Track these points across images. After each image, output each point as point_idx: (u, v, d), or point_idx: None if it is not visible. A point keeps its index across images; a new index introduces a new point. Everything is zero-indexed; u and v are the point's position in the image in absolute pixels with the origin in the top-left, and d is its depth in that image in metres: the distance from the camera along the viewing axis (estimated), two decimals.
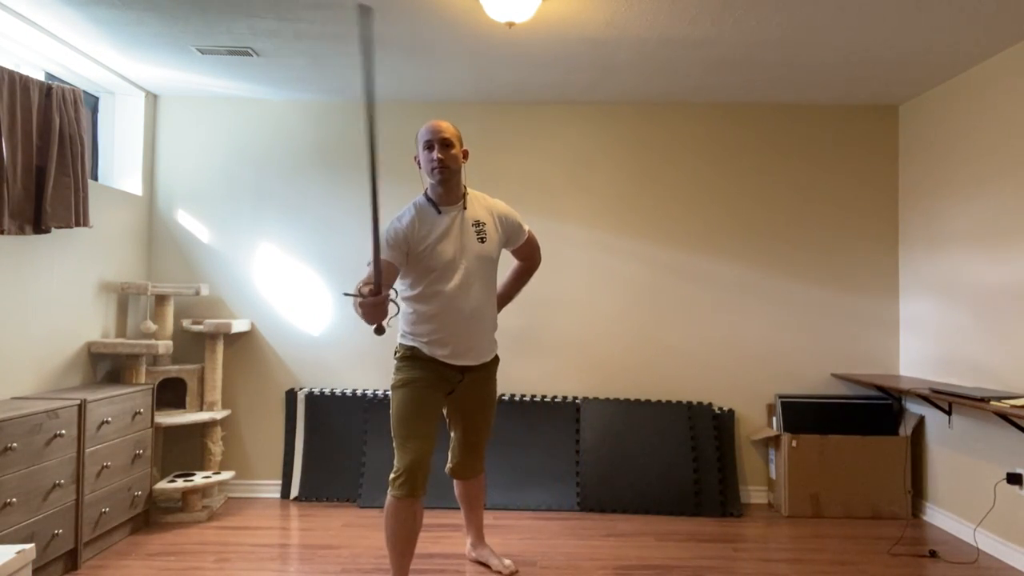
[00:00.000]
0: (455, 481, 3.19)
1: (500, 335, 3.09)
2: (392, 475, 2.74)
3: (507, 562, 3.18)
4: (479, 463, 3.12)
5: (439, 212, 2.78)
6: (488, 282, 2.86)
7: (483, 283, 2.83)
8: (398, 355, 2.86)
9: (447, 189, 2.78)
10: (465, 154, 2.83)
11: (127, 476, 3.54)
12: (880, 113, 4.46)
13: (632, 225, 4.45)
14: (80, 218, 3.41)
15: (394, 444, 2.77)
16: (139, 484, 3.65)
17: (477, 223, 2.83)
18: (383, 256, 2.58)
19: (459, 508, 4.18)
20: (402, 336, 2.88)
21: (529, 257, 3.12)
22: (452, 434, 3.10)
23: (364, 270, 2.55)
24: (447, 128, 2.75)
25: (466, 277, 2.76)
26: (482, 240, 2.82)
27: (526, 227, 3.04)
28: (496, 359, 3.04)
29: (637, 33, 3.35)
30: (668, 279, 4.45)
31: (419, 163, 2.80)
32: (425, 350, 2.79)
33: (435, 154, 2.71)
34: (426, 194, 2.83)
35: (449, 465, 3.13)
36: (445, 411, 3.01)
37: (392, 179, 4.48)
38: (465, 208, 2.83)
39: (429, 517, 3.90)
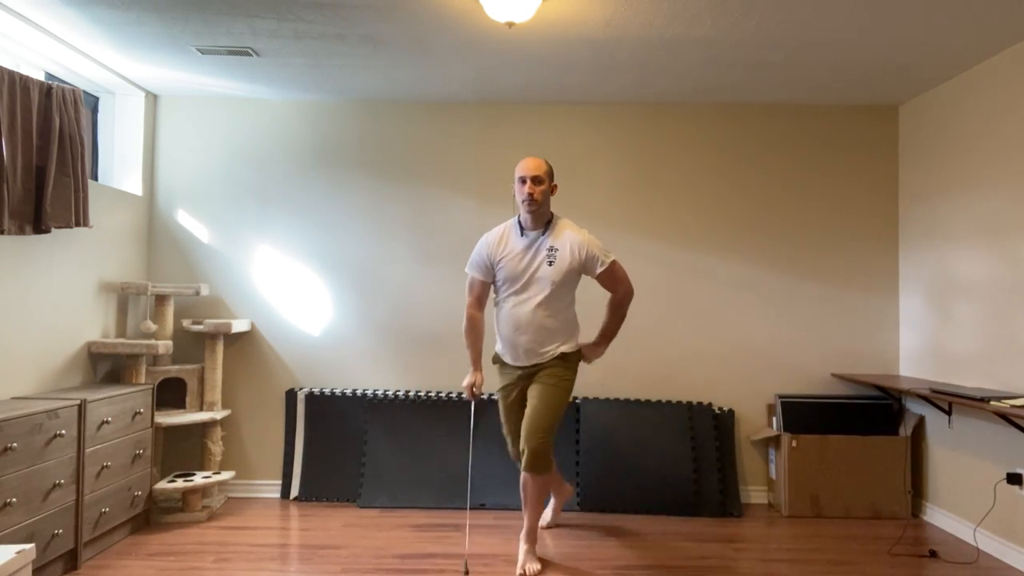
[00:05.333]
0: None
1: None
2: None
3: (531, 567, 3.17)
4: (530, 458, 3.12)
5: (522, 235, 3.21)
6: (550, 301, 3.17)
7: (543, 300, 3.16)
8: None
9: (533, 217, 3.18)
10: (554, 189, 3.22)
11: (127, 476, 3.54)
12: (880, 113, 4.46)
13: (631, 225, 4.45)
14: (80, 218, 3.42)
15: None
16: (139, 484, 3.65)
17: (551, 248, 3.17)
18: (475, 275, 3.27)
19: (459, 508, 4.21)
20: None
21: (611, 289, 3.31)
22: None
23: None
24: (540, 166, 3.16)
25: (528, 293, 3.16)
26: (550, 263, 3.16)
27: (605, 259, 3.20)
28: (558, 359, 3.23)
29: (637, 33, 3.35)
30: (667, 279, 4.46)
31: (515, 193, 3.20)
32: (497, 349, 3.35)
33: (527, 188, 3.13)
34: (518, 218, 3.23)
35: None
36: None
37: (394, 179, 4.48)
38: (545, 233, 3.19)
39: (429, 517, 3.90)
